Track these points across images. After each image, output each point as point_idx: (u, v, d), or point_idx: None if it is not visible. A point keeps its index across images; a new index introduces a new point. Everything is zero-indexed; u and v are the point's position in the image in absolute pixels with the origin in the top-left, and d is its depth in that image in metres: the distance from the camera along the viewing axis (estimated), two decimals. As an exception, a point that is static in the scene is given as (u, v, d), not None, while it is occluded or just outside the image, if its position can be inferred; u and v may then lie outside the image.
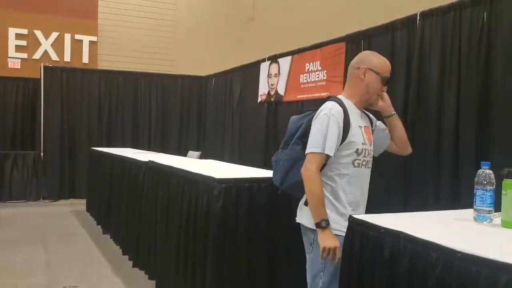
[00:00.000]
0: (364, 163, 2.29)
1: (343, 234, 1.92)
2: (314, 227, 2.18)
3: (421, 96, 4.03)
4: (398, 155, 2.58)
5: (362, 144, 2.26)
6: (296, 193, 2.37)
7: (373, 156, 2.40)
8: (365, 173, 2.32)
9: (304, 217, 2.31)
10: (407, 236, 1.46)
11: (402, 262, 1.44)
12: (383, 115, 2.43)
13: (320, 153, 2.16)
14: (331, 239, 2.09)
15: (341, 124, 2.19)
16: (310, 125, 2.26)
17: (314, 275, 2.22)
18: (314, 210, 2.16)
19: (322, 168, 2.21)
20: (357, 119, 2.29)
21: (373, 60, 2.32)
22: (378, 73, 2.29)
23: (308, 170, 2.16)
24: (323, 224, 2.11)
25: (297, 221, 2.37)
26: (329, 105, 2.24)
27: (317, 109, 2.29)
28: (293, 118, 2.49)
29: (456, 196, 3.55)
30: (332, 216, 2.17)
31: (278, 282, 3.03)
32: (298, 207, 2.40)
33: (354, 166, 2.25)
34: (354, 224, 1.70)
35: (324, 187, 2.21)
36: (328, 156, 2.17)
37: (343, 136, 2.21)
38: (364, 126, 2.33)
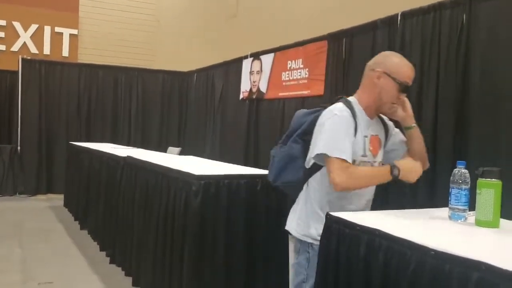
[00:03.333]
0: None
1: None
2: (301, 238, 2.07)
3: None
4: None
5: (362, 156, 2.04)
6: (290, 192, 2.24)
7: None
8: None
9: (292, 224, 2.17)
10: (382, 233, 1.47)
11: (377, 259, 1.45)
12: (402, 125, 2.16)
13: (340, 158, 1.92)
14: (413, 169, 1.97)
15: (352, 130, 1.99)
16: (314, 123, 2.06)
17: (297, 285, 2.11)
18: (379, 179, 2.00)
19: (314, 171, 2.06)
20: (364, 127, 2.06)
21: (391, 63, 2.06)
22: (395, 79, 2.02)
23: (340, 183, 1.91)
24: (396, 173, 1.94)
25: (285, 228, 2.21)
26: (339, 107, 2.03)
27: (325, 107, 2.08)
28: (298, 112, 2.27)
29: (433, 195, 3.60)
30: (317, 226, 1.98)
31: (256, 279, 3.03)
32: (290, 211, 2.23)
33: None
34: (330, 222, 1.71)
35: (314, 194, 2.07)
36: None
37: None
38: (371, 136, 2.09)
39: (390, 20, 4.39)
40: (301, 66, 5.84)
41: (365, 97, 2.08)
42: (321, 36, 5.43)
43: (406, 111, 2.09)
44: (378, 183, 2.07)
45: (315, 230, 2.01)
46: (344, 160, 1.92)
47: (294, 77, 5.96)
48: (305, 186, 2.13)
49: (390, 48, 4.33)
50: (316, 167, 2.07)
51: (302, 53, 5.83)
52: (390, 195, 3.96)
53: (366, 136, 2.06)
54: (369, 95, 2.07)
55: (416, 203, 3.64)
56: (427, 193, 3.65)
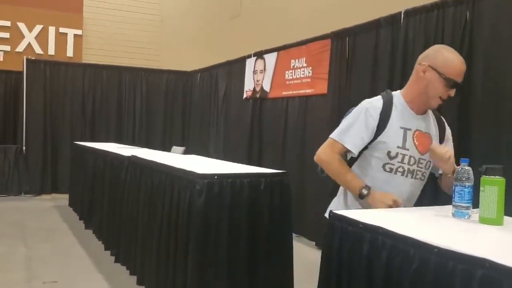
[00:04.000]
0: (400, 169, 2.02)
1: None
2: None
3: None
4: None
5: (398, 147, 2.00)
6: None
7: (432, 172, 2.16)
8: (402, 182, 2.04)
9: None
10: (385, 231, 1.47)
11: (380, 257, 1.45)
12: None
13: (338, 142, 2.03)
14: (383, 199, 1.94)
15: (375, 121, 2.00)
16: None
17: None
18: (347, 185, 2.04)
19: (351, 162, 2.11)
20: (403, 120, 2.03)
21: (439, 57, 1.99)
22: (441, 74, 1.95)
23: (319, 154, 2.06)
24: (364, 193, 1.96)
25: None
26: (372, 99, 2.08)
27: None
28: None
29: (436, 193, 3.59)
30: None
31: (259, 277, 3.04)
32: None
33: (385, 171, 2.03)
34: (334, 220, 1.70)
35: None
36: (346, 149, 2.03)
37: (376, 134, 2.01)
38: (416, 130, 2.05)
39: (393, 19, 4.39)
40: (305, 65, 5.84)
41: (410, 91, 2.06)
42: (325, 34, 5.43)
43: (446, 164, 1.99)
44: (345, 186, 2.10)
45: None
46: (338, 143, 2.02)
47: (298, 76, 5.96)
48: None
49: (394, 46, 4.33)
50: (353, 159, 2.11)
51: (306, 52, 5.83)
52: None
53: (408, 129, 2.03)
54: (414, 89, 2.05)
55: (419, 201, 3.63)
56: (430, 191, 3.63)
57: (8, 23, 9.79)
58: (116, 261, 4.45)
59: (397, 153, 2.00)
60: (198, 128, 8.83)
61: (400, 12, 4.28)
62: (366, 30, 4.75)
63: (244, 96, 7.13)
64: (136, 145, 7.87)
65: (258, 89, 6.80)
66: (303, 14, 6.47)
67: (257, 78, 6.85)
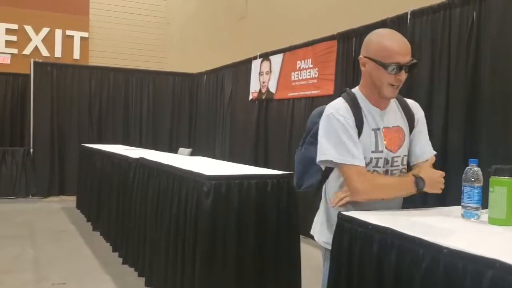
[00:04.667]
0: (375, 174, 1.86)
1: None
2: (324, 245, 1.95)
3: (410, 94, 4.04)
4: None
5: (373, 152, 1.84)
6: (319, 196, 2.08)
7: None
8: None
9: (315, 229, 2.05)
10: (394, 232, 1.47)
11: (389, 258, 1.45)
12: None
13: (354, 165, 1.78)
14: (436, 183, 1.84)
15: (354, 127, 1.82)
16: None
17: None
18: (402, 190, 1.84)
19: (327, 176, 1.94)
20: (372, 120, 1.87)
21: (370, 45, 1.83)
22: (377, 61, 1.78)
23: (357, 189, 1.77)
24: (420, 185, 1.81)
25: (310, 232, 2.08)
26: (336, 102, 1.89)
27: None
28: (314, 112, 2.09)
29: (444, 194, 3.58)
30: (327, 234, 1.90)
31: (266, 278, 3.04)
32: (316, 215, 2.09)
33: None
34: (343, 221, 1.70)
35: (329, 198, 1.93)
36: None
37: None
38: (384, 128, 1.88)
39: (399, 19, 4.39)
40: (311, 66, 5.84)
41: (363, 88, 1.91)
42: (331, 35, 5.44)
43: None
44: (400, 195, 1.90)
45: None
46: (360, 167, 1.78)
47: (304, 77, 5.97)
48: (323, 190, 2.00)
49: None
50: (329, 170, 1.94)
51: (312, 53, 5.83)
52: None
53: (377, 129, 1.86)
54: (365, 85, 1.90)
55: (428, 202, 3.62)
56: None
57: (15, 26, 9.87)
58: (124, 262, 4.47)
59: (371, 159, 1.84)
60: (204, 129, 8.85)
61: (407, 13, 4.28)
62: (372, 30, 4.75)
63: (250, 97, 7.14)
64: (143, 147, 7.90)
65: (264, 90, 6.81)
66: (309, 15, 6.48)
67: (263, 79, 6.86)
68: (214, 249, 2.89)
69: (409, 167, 2.00)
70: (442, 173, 1.89)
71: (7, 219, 6.52)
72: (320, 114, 1.93)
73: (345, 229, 1.68)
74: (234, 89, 7.77)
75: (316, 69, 5.73)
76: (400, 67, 1.77)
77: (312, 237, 2.12)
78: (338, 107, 1.85)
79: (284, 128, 6.19)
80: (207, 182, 2.93)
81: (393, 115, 1.92)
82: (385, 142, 1.87)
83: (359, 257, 1.59)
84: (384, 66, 1.77)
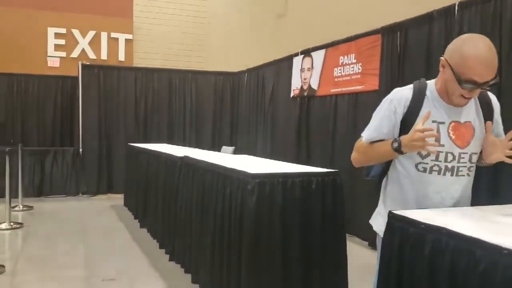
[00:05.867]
0: (436, 168, 1.84)
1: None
2: (379, 233, 1.96)
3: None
4: None
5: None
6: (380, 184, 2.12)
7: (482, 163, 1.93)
8: (441, 182, 1.85)
9: (373, 220, 2.09)
10: (449, 232, 1.42)
11: (444, 259, 1.40)
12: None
13: (361, 137, 1.98)
14: (412, 140, 1.74)
15: (399, 114, 1.86)
16: None
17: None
18: (382, 155, 1.91)
19: (388, 166, 1.99)
20: (436, 112, 1.84)
21: (456, 52, 1.74)
22: (456, 73, 1.72)
23: (352, 156, 2.02)
24: (395, 146, 1.81)
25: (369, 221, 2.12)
26: (403, 88, 1.92)
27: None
28: None
29: (496, 190, 3.44)
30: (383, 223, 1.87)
31: (313, 278, 3.02)
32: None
33: (419, 171, 1.87)
34: (393, 220, 1.66)
35: (387, 186, 2.00)
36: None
37: (405, 129, 1.83)
38: (452, 122, 1.84)
39: (446, 11, 4.24)
40: (354, 61, 5.75)
41: (438, 83, 1.88)
42: (374, 30, 5.33)
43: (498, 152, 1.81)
44: (382, 157, 1.94)
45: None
46: (361, 139, 1.97)
47: (347, 73, 5.88)
48: (383, 181, 2.05)
49: (448, 41, 4.16)
50: (390, 160, 1.98)
51: (355, 47, 5.73)
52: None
53: (441, 123, 1.83)
54: (440, 83, 1.86)
55: (479, 199, 3.49)
56: (491, 188, 3.49)
57: (63, 30, 10.24)
58: (171, 259, 4.55)
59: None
60: (246, 127, 8.89)
61: (454, 4, 4.13)
62: (418, 24, 4.62)
63: (292, 94, 7.11)
64: (187, 145, 8.02)
65: (305, 87, 6.76)
66: (351, 10, 6.37)
67: (305, 76, 6.81)
68: (259, 247, 2.89)
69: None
70: (420, 128, 1.73)
71: (59, 217, 6.78)
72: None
73: (396, 229, 1.64)
74: (275, 86, 7.75)
75: (360, 64, 5.63)
76: (476, 86, 1.73)
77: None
78: (401, 89, 1.92)
79: (326, 125, 6.12)
80: (251, 180, 2.93)
81: (466, 109, 1.87)
82: (453, 136, 1.84)
83: (410, 258, 1.55)
84: (460, 81, 1.72)
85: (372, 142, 1.94)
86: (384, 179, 2.04)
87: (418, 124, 1.75)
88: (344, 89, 5.91)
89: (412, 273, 1.53)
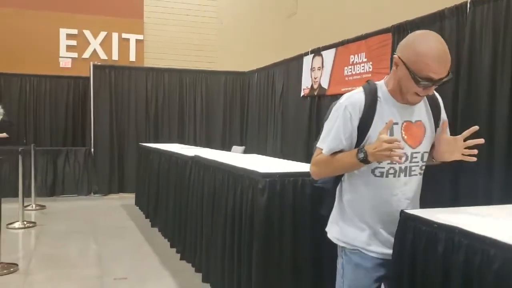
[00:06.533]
0: (392, 171, 1.81)
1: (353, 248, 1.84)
2: (335, 241, 1.98)
3: (472, 88, 3.88)
4: None
5: None
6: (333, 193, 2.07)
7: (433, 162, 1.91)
8: (395, 184, 1.83)
9: (328, 226, 2.06)
10: (462, 231, 1.41)
11: (457, 258, 1.39)
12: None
13: (319, 148, 1.89)
14: (378, 151, 1.67)
15: (355, 120, 1.80)
16: None
17: None
18: (346, 166, 1.83)
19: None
20: (389, 113, 1.80)
21: (409, 50, 1.71)
22: (411, 71, 1.69)
23: (311, 169, 1.93)
24: (361, 156, 1.73)
25: (325, 229, 2.08)
26: (352, 92, 1.87)
27: None
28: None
29: (509, 190, 3.41)
30: (346, 228, 1.90)
31: (324, 277, 3.01)
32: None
33: (376, 176, 1.82)
34: (406, 219, 1.65)
35: (343, 195, 1.94)
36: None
37: (361, 134, 1.80)
38: (404, 122, 1.82)
39: (458, 9, 4.20)
40: (365, 60, 5.72)
41: (390, 82, 1.83)
42: (385, 28, 5.30)
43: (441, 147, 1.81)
44: (347, 168, 1.85)
45: (345, 233, 1.92)
46: (319, 149, 1.88)
47: (357, 72, 5.86)
48: (338, 187, 1.99)
49: (460, 39, 4.14)
50: None
51: (365, 46, 5.71)
52: (462, 189, 3.80)
53: (394, 124, 1.79)
54: (392, 80, 1.82)
55: (491, 199, 3.47)
56: (503, 188, 3.46)
57: (75, 31, 10.32)
58: (182, 258, 4.57)
59: None
60: (256, 127, 8.89)
61: (466, 2, 4.09)
62: (429, 22, 4.58)
63: (302, 94, 7.10)
64: (198, 145, 8.05)
65: (316, 86, 6.75)
66: (361, 8, 6.34)
67: (315, 75, 6.79)
68: (270, 246, 2.89)
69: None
70: (388, 139, 1.68)
71: (71, 216, 6.84)
72: None
73: (408, 228, 1.63)
74: (285, 86, 7.74)
75: (370, 63, 5.61)
76: (432, 83, 1.70)
77: None
78: (351, 95, 1.85)
79: (337, 124, 6.09)
80: (261, 179, 2.93)
81: (417, 109, 1.86)
82: (405, 136, 1.82)
83: (423, 257, 1.54)
84: (416, 80, 1.68)
85: (332, 154, 1.85)
86: (339, 187, 1.98)
87: (383, 134, 1.70)
88: (354, 87, 5.87)
89: (425, 271, 1.53)
